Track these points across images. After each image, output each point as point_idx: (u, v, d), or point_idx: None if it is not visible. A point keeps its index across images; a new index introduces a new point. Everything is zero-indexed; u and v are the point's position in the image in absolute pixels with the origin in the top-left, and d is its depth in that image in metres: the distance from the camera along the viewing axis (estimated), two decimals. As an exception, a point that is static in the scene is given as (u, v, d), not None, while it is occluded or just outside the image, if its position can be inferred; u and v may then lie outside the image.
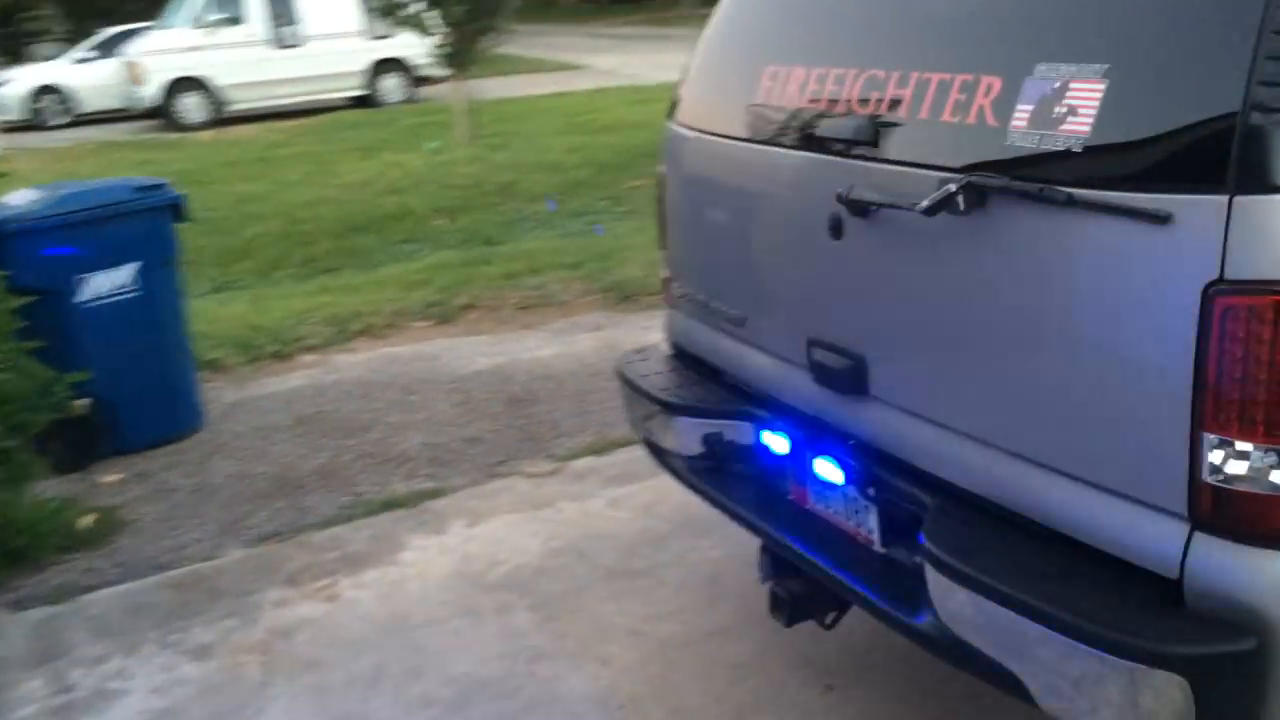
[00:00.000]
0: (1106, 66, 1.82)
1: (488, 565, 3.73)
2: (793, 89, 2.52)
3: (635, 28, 33.33)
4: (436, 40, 13.33)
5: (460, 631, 3.36)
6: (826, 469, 2.45)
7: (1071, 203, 1.83)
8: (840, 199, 2.26)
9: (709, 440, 2.81)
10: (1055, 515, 1.98)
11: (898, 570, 2.34)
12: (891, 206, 2.15)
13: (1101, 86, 1.82)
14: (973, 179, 1.98)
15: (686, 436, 2.86)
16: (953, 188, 2.00)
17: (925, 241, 2.14)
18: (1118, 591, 1.86)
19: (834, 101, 2.38)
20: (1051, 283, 1.92)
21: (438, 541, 3.91)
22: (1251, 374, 1.65)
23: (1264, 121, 1.61)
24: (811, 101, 2.45)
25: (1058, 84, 1.89)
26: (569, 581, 3.58)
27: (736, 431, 2.77)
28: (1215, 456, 1.71)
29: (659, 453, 3.03)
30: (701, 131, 2.88)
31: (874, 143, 2.25)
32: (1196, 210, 1.67)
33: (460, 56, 13.27)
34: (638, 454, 4.35)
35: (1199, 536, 1.76)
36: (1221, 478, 1.71)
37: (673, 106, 3.06)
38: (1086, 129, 1.83)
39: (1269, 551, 1.70)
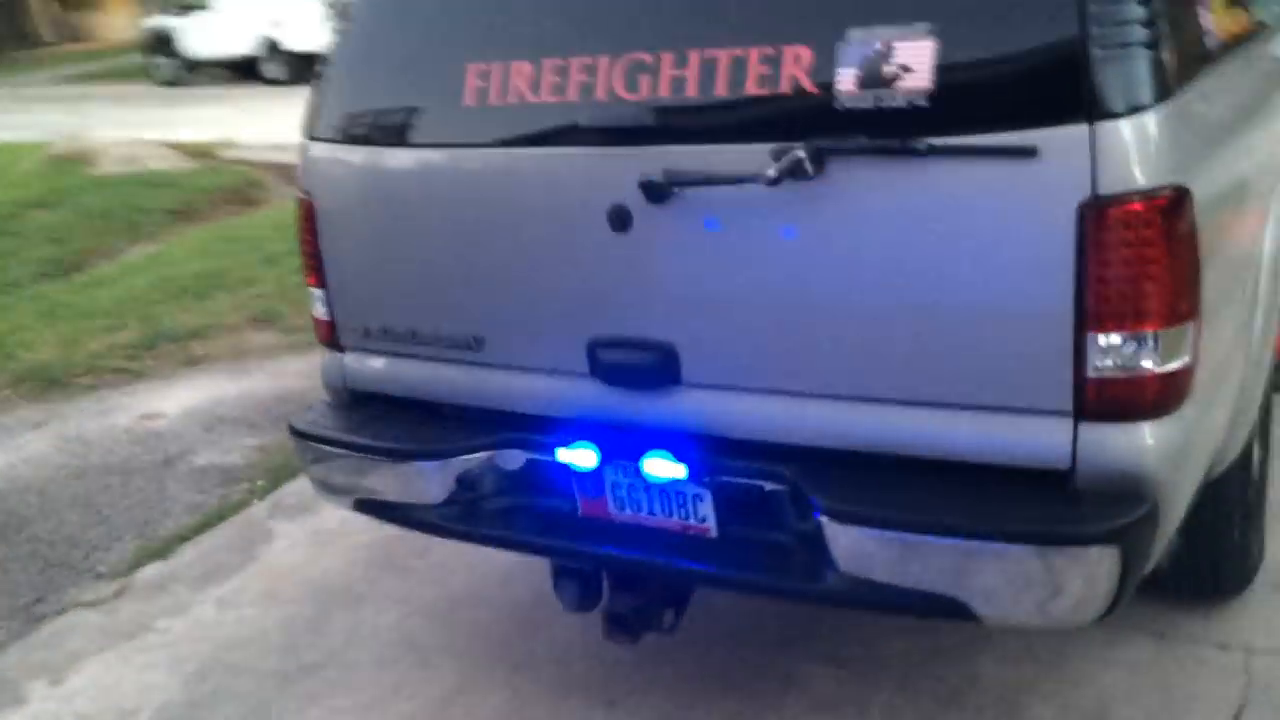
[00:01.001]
0: (929, 25, 1.98)
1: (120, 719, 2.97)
2: (521, 85, 2.34)
3: None
4: None
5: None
6: (654, 468, 2.33)
7: (933, 151, 1.96)
8: (649, 184, 2.17)
9: (465, 479, 2.53)
10: (936, 445, 2.12)
11: (749, 549, 2.33)
12: (728, 182, 2.11)
13: (930, 44, 1.97)
14: (821, 144, 2.03)
15: (433, 481, 2.54)
16: (801, 154, 2.03)
17: (752, 215, 2.15)
18: (1020, 495, 2.05)
19: (591, 92, 2.26)
20: (917, 229, 2.04)
21: (26, 716, 3.01)
22: (1130, 273, 1.92)
23: (1105, 54, 1.88)
24: (556, 95, 2.30)
25: (879, 46, 2.01)
26: (242, 705, 2.98)
27: (500, 461, 2.53)
28: (1099, 353, 1.96)
29: (386, 510, 2.66)
30: (381, 144, 2.56)
31: (667, 127, 2.19)
32: (1062, 140, 1.90)
33: None
34: (209, 544, 3.81)
35: (1085, 426, 2.01)
36: (1104, 369, 1.97)
37: (313, 124, 2.68)
38: (927, 84, 1.97)
39: (1142, 424, 2.00)
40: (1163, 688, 2.68)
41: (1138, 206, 1.89)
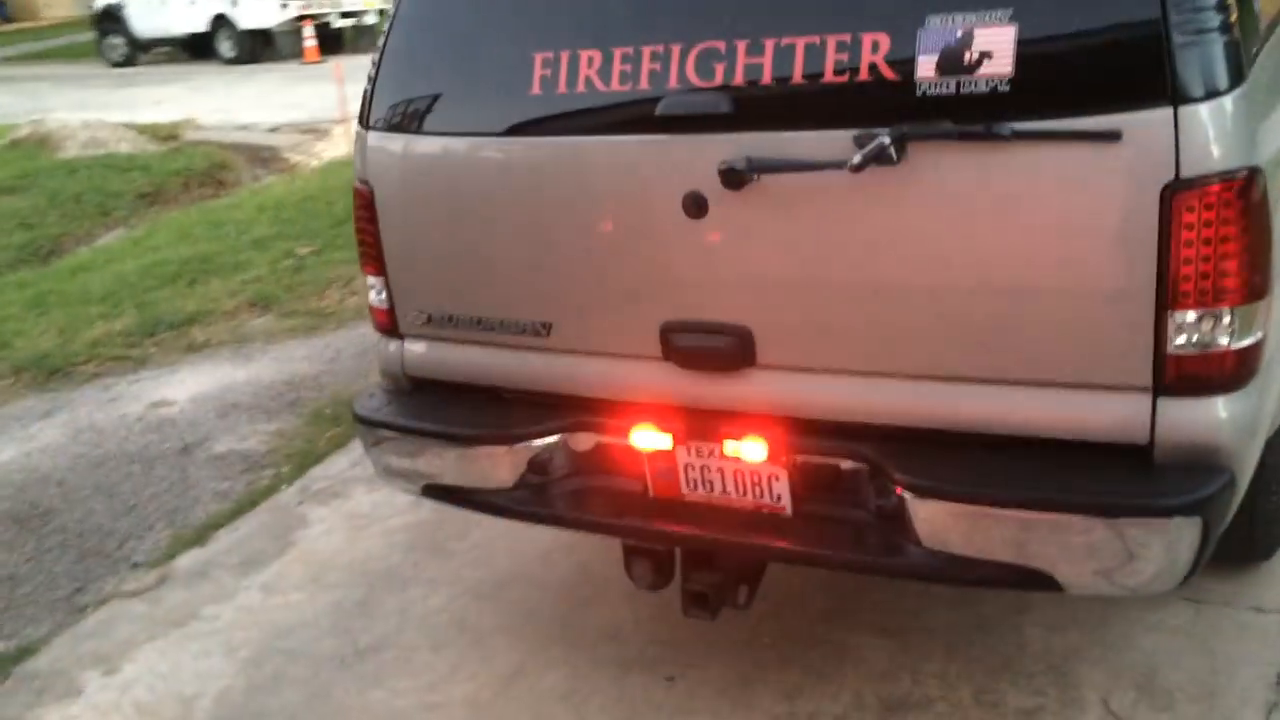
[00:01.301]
0: (1010, 11, 2.03)
1: (181, 707, 2.98)
2: (590, 73, 2.37)
3: None
4: None
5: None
6: (729, 449, 2.38)
7: (1017, 136, 2.02)
8: (729, 171, 2.21)
9: (536, 462, 2.57)
10: (1016, 422, 2.19)
11: (825, 527, 2.39)
12: (812, 168, 2.16)
13: (1010, 30, 2.03)
14: (905, 129, 2.08)
15: (504, 465, 2.58)
16: (886, 140, 2.08)
17: (831, 199, 2.20)
18: (1101, 469, 2.13)
19: (663, 80, 2.29)
20: (998, 213, 2.10)
21: (84, 706, 3.02)
22: (1212, 253, 1.99)
23: (1186, 40, 1.94)
24: (628, 84, 2.33)
25: (960, 33, 2.06)
26: (303, 689, 3.01)
27: (572, 444, 2.57)
28: (1178, 330, 2.04)
29: (454, 494, 2.69)
30: (447, 134, 2.58)
31: (744, 114, 2.23)
32: (1146, 124, 1.96)
33: None
34: (244, 531, 3.82)
35: (1164, 401, 2.08)
36: (1182, 346, 2.05)
37: (368, 114, 2.68)
38: (1008, 70, 2.03)
39: (1217, 398, 2.08)
40: (1205, 651, 2.78)
41: (1219, 188, 1.96)
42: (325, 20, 20.21)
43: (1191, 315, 2.03)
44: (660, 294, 2.42)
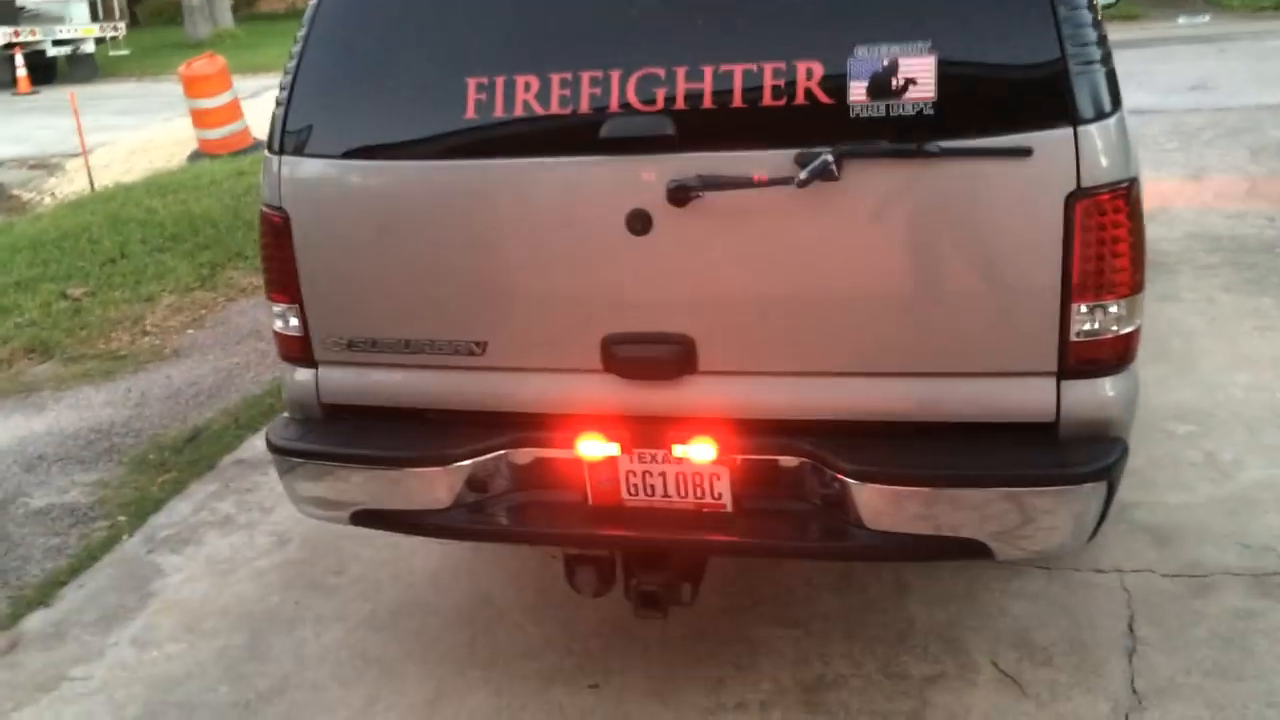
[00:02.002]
0: (929, 44, 2.28)
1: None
2: (528, 97, 2.44)
3: None
4: None
5: None
6: (673, 454, 2.50)
7: (945, 153, 2.27)
8: (678, 188, 2.34)
9: (474, 480, 2.60)
10: (942, 410, 2.43)
11: (766, 519, 2.55)
12: (762, 185, 2.32)
13: (931, 59, 2.28)
14: (846, 148, 2.29)
15: (441, 485, 2.59)
16: (829, 158, 2.28)
17: (776, 213, 2.37)
18: (1016, 446, 2.40)
19: (604, 104, 2.40)
20: (924, 221, 2.34)
21: (-41, 785, 2.76)
22: (1107, 250, 2.30)
23: (1079, 70, 2.25)
24: (567, 107, 2.42)
25: (886, 62, 2.29)
26: (209, 740, 2.88)
27: (512, 460, 2.61)
28: (1081, 319, 2.34)
29: (386, 519, 2.67)
30: (374, 158, 2.57)
31: (690, 136, 2.37)
32: (1052, 141, 2.25)
33: None
34: (92, 586, 3.62)
35: (1066, 384, 2.38)
36: (1083, 334, 2.35)
37: (282, 138, 2.63)
38: (932, 94, 2.27)
39: (1107, 378, 2.40)
40: (1065, 610, 3.13)
41: (1108, 196, 2.28)
42: (39, 48, 18.80)
43: (1091, 306, 2.33)
44: (602, 308, 2.52)
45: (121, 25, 23.14)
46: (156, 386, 5.37)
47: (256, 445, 4.59)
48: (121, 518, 4.05)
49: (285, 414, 2.86)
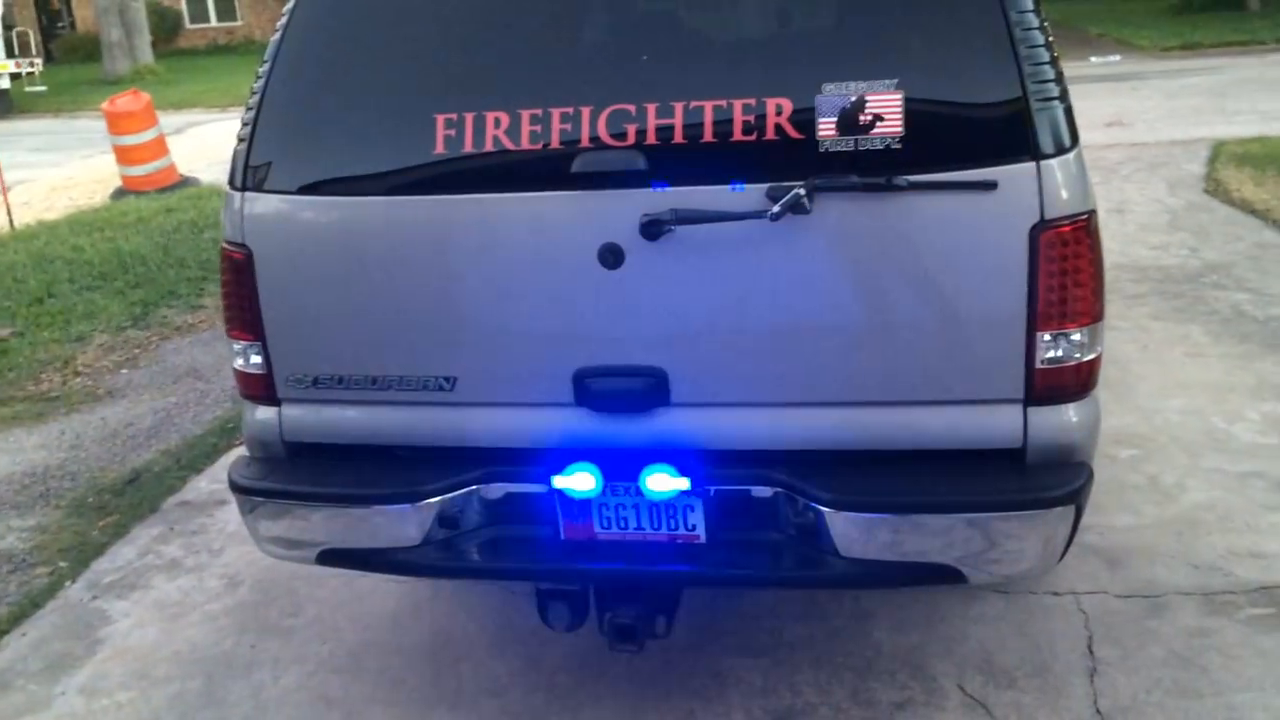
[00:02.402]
0: (895, 81, 2.34)
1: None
2: (498, 133, 2.45)
3: None
4: None
5: None
6: (648, 485, 2.50)
7: (913, 186, 2.32)
8: (651, 223, 2.35)
9: (445, 517, 2.57)
10: (912, 438, 2.47)
11: (740, 549, 2.56)
12: (733, 219, 2.34)
13: (898, 96, 2.33)
14: (818, 182, 2.32)
15: (411, 523, 2.56)
16: (801, 192, 2.31)
17: (748, 246, 2.39)
18: (987, 471, 2.45)
19: (575, 140, 2.41)
20: (892, 253, 2.38)
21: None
22: (1069, 280, 2.36)
23: (1040, 107, 2.32)
24: (538, 143, 2.43)
25: (854, 99, 2.34)
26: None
27: (483, 495, 2.59)
28: (1046, 347, 2.40)
29: (354, 558, 2.63)
30: (343, 194, 2.55)
31: (662, 171, 2.39)
32: (1016, 175, 2.32)
33: None
34: (35, 635, 3.56)
35: (1034, 410, 2.43)
36: (1049, 361, 2.41)
37: (245, 174, 2.60)
38: (899, 130, 2.33)
39: (1071, 405, 2.46)
40: (1025, 633, 3.18)
41: (1070, 227, 2.34)
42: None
43: (1055, 335, 2.39)
44: (574, 342, 2.52)
45: (38, 61, 22.72)
46: (91, 428, 5.23)
47: (200, 486, 4.50)
48: (62, 563, 3.92)
49: (245, 453, 2.81)
